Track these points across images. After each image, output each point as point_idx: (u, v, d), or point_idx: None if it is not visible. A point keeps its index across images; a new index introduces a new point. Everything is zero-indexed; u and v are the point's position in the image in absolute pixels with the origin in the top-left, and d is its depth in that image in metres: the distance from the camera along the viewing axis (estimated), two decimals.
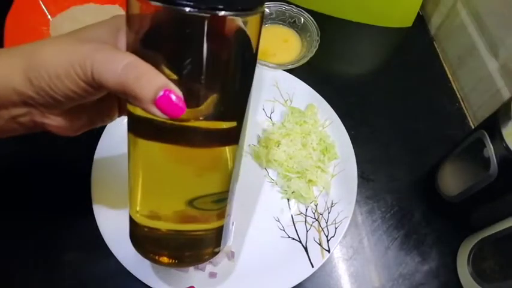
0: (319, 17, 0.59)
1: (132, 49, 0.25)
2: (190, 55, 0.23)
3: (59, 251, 0.42)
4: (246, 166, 0.48)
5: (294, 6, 0.59)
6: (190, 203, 0.29)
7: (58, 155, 0.47)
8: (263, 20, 0.25)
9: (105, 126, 0.46)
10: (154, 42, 0.24)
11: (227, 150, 0.28)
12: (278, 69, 0.53)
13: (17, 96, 0.25)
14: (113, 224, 0.41)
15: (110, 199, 0.42)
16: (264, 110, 0.52)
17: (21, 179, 0.46)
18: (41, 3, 0.54)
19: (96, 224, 0.41)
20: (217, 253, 0.34)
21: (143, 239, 0.32)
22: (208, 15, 0.22)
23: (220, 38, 0.23)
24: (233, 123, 0.27)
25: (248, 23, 0.24)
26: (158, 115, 0.23)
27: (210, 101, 0.25)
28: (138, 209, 0.30)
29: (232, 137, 0.28)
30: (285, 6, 0.59)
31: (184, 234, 0.31)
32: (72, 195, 0.44)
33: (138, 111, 0.25)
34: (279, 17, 0.59)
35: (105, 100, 0.29)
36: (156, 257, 0.32)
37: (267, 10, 0.59)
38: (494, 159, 0.36)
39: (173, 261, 0.32)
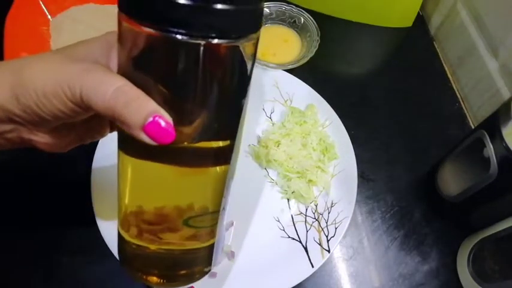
0: (319, 17, 0.59)
1: (122, 70, 0.24)
2: (182, 80, 0.23)
3: (60, 251, 0.42)
4: (246, 166, 0.48)
5: (294, 6, 0.59)
6: (180, 222, 0.29)
7: (58, 156, 0.47)
8: (258, 44, 0.24)
9: None
10: (145, 65, 0.23)
11: (218, 170, 0.28)
12: (278, 69, 0.53)
13: (3, 113, 0.25)
14: (113, 224, 0.40)
15: (110, 200, 0.41)
16: (264, 110, 0.52)
17: (21, 179, 0.46)
18: (41, 3, 0.54)
19: (96, 224, 0.41)
20: (207, 272, 0.33)
21: (131, 256, 0.32)
22: (201, 42, 0.21)
23: (213, 64, 0.23)
24: (225, 144, 0.27)
25: (242, 48, 0.23)
26: (147, 141, 0.23)
27: (202, 124, 0.25)
28: (127, 226, 0.30)
29: (224, 157, 0.28)
30: (285, 6, 0.59)
31: (174, 253, 0.31)
32: (72, 195, 0.44)
33: None
34: (279, 17, 0.60)
35: (95, 117, 0.29)
36: (144, 276, 0.31)
37: (267, 10, 0.59)
38: (494, 159, 0.36)
39: (162, 281, 0.31)
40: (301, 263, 0.41)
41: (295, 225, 0.45)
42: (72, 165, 0.47)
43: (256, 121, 0.51)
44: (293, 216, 0.45)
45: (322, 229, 0.44)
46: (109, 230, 0.40)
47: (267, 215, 0.45)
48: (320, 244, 0.43)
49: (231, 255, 0.42)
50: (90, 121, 0.29)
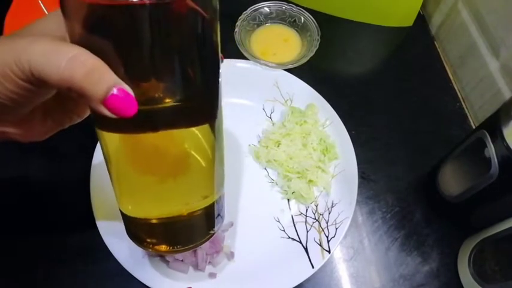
0: (320, 16, 0.59)
1: (74, 41, 0.22)
2: (140, 43, 0.21)
3: (60, 252, 0.42)
4: (246, 166, 0.48)
5: (294, 6, 0.59)
6: (178, 188, 0.29)
7: (58, 156, 0.47)
8: None
9: None
10: (97, 33, 0.22)
11: (205, 129, 0.27)
12: (278, 69, 0.53)
13: None
14: (112, 225, 0.41)
15: (109, 199, 0.41)
16: (264, 110, 0.52)
17: (21, 180, 0.46)
18: (40, 2, 0.54)
19: (96, 224, 0.41)
20: (213, 234, 0.33)
21: (137, 230, 0.32)
22: (148, 2, 0.20)
23: (171, 20, 0.21)
24: (205, 102, 0.26)
25: (199, 2, 0.22)
26: (107, 115, 0.22)
27: (166, 88, 0.24)
28: (125, 202, 0.30)
29: (209, 114, 0.27)
30: (285, 6, 0.59)
31: (177, 219, 0.31)
32: (72, 196, 0.44)
33: None
34: (279, 16, 0.59)
35: (69, 99, 0.28)
36: (154, 247, 0.32)
37: (267, 9, 0.59)
38: (495, 159, 0.36)
39: (171, 248, 0.32)
40: (302, 263, 0.41)
41: (296, 226, 0.44)
42: (71, 165, 0.47)
43: (256, 121, 0.51)
44: (293, 216, 0.45)
45: (323, 229, 0.44)
46: (108, 230, 0.40)
47: (267, 215, 0.45)
48: (320, 245, 0.43)
49: (231, 256, 0.42)
50: (64, 103, 0.28)
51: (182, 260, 0.40)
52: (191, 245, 0.33)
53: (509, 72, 0.49)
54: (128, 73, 0.22)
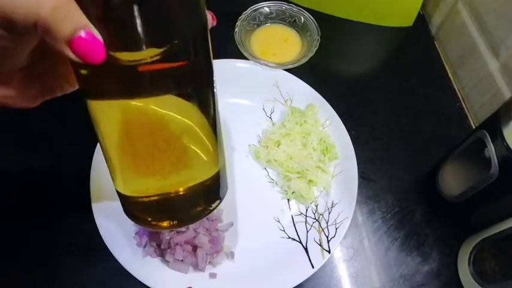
0: (320, 16, 0.59)
1: None
2: None
3: (59, 252, 0.42)
4: (246, 166, 0.48)
5: (294, 6, 0.59)
6: (174, 160, 0.28)
7: (57, 155, 0.47)
8: None
9: None
10: None
11: (201, 94, 0.26)
12: (278, 69, 0.53)
13: None
14: (112, 224, 0.41)
15: (109, 199, 0.42)
16: (264, 110, 0.52)
17: (20, 180, 0.46)
18: None
19: (96, 224, 0.41)
20: (215, 207, 0.32)
21: (137, 209, 0.31)
22: None
23: None
24: (196, 62, 0.25)
25: None
26: (72, 58, 0.21)
27: (151, 36, 0.22)
28: (121, 181, 0.29)
29: (202, 79, 0.26)
30: (285, 6, 0.59)
31: (177, 193, 0.30)
32: (71, 195, 0.44)
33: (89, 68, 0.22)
34: (279, 16, 0.59)
35: (56, 61, 0.27)
36: (156, 223, 0.31)
37: (267, 9, 0.59)
38: (495, 160, 0.36)
39: (173, 223, 0.31)
40: (302, 263, 0.41)
41: (296, 226, 0.45)
42: (72, 164, 0.47)
43: (256, 121, 0.51)
44: (293, 216, 0.45)
45: (323, 229, 0.44)
46: (109, 230, 0.40)
47: (267, 215, 0.45)
48: (320, 245, 0.43)
49: (231, 256, 0.42)
50: (53, 68, 0.27)
51: (182, 260, 0.40)
52: (193, 218, 0.32)
53: (509, 72, 0.49)
54: (101, 21, 0.21)
